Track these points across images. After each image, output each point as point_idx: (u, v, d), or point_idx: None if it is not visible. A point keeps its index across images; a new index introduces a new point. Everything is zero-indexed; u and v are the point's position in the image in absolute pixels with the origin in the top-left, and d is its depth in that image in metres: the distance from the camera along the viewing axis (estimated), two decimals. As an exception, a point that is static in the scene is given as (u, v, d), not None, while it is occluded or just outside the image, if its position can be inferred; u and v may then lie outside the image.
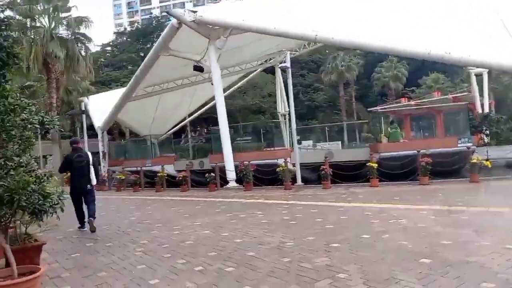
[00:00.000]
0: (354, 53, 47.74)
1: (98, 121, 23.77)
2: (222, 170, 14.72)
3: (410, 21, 13.33)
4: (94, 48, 75.53)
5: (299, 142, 25.00)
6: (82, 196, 8.10)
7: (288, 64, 13.20)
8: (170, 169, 18.95)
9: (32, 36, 23.03)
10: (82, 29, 24.98)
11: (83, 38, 25.07)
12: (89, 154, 8.47)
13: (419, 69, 42.39)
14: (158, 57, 17.67)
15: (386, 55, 41.31)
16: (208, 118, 45.79)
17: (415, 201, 9.03)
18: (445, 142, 14.40)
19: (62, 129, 32.67)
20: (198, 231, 7.25)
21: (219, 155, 15.79)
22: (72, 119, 32.09)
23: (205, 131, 49.01)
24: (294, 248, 5.58)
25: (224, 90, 33.23)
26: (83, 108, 21.90)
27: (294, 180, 13.67)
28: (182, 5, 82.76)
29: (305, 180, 14.78)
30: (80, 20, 24.49)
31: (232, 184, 14.70)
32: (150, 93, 25.04)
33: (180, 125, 34.21)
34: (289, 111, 13.69)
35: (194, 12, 14.40)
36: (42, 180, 4.06)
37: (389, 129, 15.45)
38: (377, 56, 44.66)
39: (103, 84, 45.81)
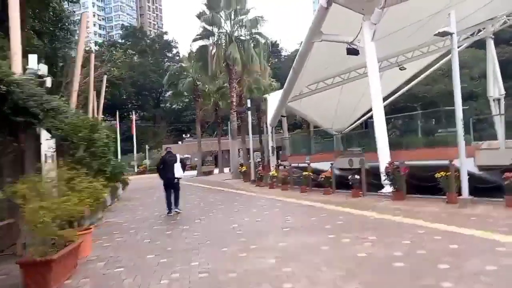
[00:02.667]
0: None
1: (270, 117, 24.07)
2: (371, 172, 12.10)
3: None
4: (293, 46, 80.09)
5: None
6: (171, 185, 10.66)
7: (451, 28, 9.23)
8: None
9: (216, 41, 25.23)
10: (259, 28, 25.83)
11: (259, 37, 25.95)
12: (178, 155, 11.00)
13: None
14: (312, 45, 16.16)
15: None
16: (404, 108, 41.13)
17: None
18: None
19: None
20: (265, 259, 5.62)
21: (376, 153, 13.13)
22: (258, 115, 34.10)
23: (400, 123, 44.14)
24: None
25: (417, 75, 28.94)
26: (249, 106, 22.62)
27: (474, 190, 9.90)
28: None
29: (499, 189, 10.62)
30: (255, 20, 25.38)
31: (387, 189, 11.90)
32: (330, 85, 23.80)
33: (366, 116, 31.53)
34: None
35: (343, -15, 12.23)
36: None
37: None
38: None
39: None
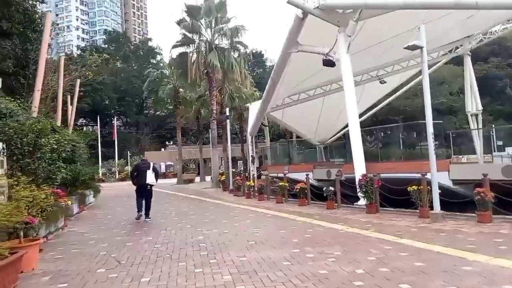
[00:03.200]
0: None
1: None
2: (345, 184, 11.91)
3: None
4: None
5: (502, 149, 19.26)
6: (143, 191, 11.22)
7: (421, 41, 9.10)
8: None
9: (196, 49, 24.94)
10: (240, 37, 25.68)
11: (239, 46, 25.81)
12: (152, 164, 11.62)
13: None
14: (289, 55, 16.04)
15: None
16: (385, 120, 41.51)
17: None
18: None
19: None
20: (221, 275, 5.29)
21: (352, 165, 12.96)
22: (241, 124, 33.84)
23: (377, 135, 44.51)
24: None
25: (398, 89, 29.07)
26: (227, 114, 22.32)
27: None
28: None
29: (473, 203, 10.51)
30: (236, 29, 25.24)
31: (362, 201, 11.70)
32: (312, 97, 23.63)
33: (348, 128, 31.35)
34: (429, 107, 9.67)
35: (318, -4, 12.12)
36: None
37: None
38: None
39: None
